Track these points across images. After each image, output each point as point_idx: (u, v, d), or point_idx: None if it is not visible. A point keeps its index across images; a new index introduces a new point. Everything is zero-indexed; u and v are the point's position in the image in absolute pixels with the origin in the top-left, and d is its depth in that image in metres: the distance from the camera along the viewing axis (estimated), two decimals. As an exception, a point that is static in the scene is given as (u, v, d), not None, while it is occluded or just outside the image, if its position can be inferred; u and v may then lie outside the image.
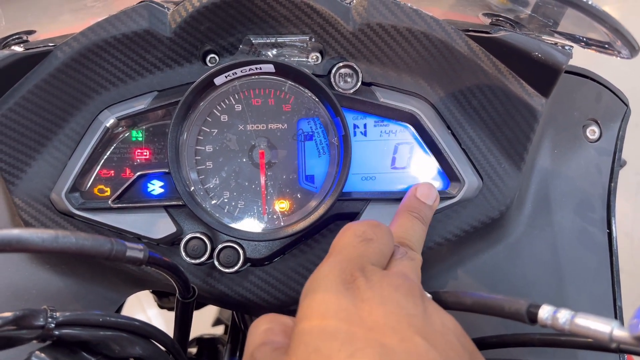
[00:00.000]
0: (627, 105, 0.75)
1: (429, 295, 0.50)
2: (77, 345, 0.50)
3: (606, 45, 0.58)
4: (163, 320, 2.12)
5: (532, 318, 0.45)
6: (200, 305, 1.00)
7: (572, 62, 0.63)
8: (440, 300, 0.53)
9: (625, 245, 2.36)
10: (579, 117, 0.73)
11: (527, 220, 0.70)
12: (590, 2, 0.55)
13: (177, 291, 0.54)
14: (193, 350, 0.97)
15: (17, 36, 0.66)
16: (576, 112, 0.73)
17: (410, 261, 0.52)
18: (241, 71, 0.63)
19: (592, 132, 0.74)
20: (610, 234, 0.71)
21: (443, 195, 0.66)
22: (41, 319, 0.47)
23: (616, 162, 0.74)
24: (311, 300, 0.42)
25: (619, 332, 0.40)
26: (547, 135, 0.72)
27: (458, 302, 0.51)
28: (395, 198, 0.66)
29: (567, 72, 0.72)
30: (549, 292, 0.69)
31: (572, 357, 0.66)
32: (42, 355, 0.47)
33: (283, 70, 0.64)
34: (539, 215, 0.71)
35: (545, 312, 0.44)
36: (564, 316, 0.43)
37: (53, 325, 0.47)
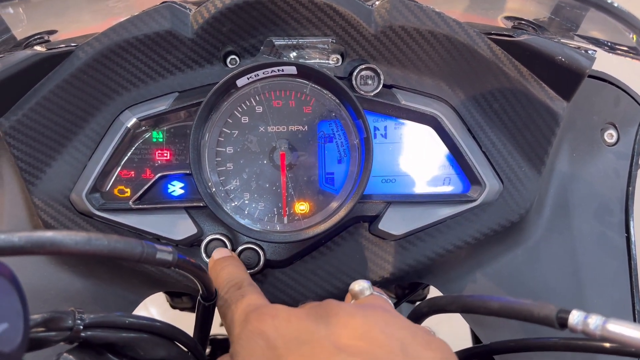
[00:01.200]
0: (645, 109, 0.75)
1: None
2: (103, 347, 0.50)
3: (631, 50, 0.58)
4: (168, 320, 2.11)
5: (562, 323, 0.45)
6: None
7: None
8: (465, 304, 0.53)
9: None
10: (598, 121, 0.73)
11: (546, 224, 0.70)
12: (614, 3, 0.55)
13: (201, 293, 0.53)
14: (207, 350, 0.97)
15: (38, 36, 0.66)
16: (595, 116, 0.73)
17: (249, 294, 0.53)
18: (263, 73, 0.63)
19: (610, 135, 0.74)
20: (628, 238, 0.71)
21: (463, 199, 0.66)
22: (69, 321, 0.47)
23: (634, 166, 0.74)
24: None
25: (653, 339, 0.40)
26: (566, 139, 0.72)
27: (484, 306, 0.51)
28: (415, 201, 0.66)
29: (588, 76, 0.72)
30: (567, 296, 0.69)
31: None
32: (70, 357, 0.47)
33: (305, 72, 0.63)
34: (558, 219, 0.71)
35: (575, 317, 0.44)
36: (595, 322, 0.43)
37: (81, 327, 0.47)
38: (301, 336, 0.43)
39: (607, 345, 0.51)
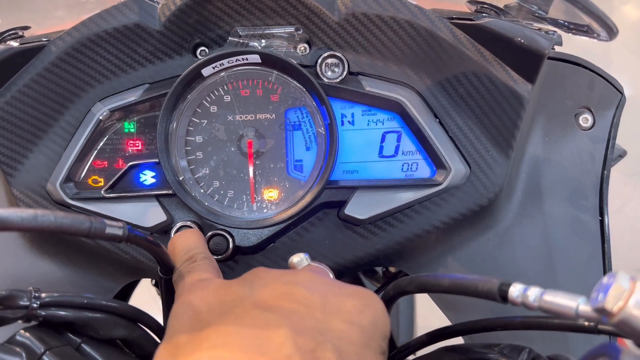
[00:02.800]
0: (621, 93, 0.75)
1: None
2: (62, 326, 0.52)
3: (585, 29, 0.58)
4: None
5: (504, 296, 0.45)
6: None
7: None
8: (421, 283, 0.54)
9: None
10: (571, 105, 0.73)
11: (517, 208, 0.70)
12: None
13: (159, 268, 0.55)
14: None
15: (12, 32, 0.68)
16: (568, 100, 0.73)
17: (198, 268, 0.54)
18: (228, 62, 0.64)
19: (585, 120, 0.73)
20: (602, 222, 0.71)
21: (429, 183, 0.66)
22: (25, 299, 0.48)
23: (610, 150, 0.74)
24: None
25: (584, 307, 0.40)
26: (538, 123, 0.72)
27: (437, 284, 0.52)
28: (382, 186, 0.67)
29: (558, 59, 0.72)
30: (540, 280, 0.69)
31: (562, 341, 0.66)
32: (27, 334, 0.49)
33: (269, 60, 0.65)
34: (530, 203, 0.71)
35: (516, 290, 0.45)
36: (533, 293, 0.43)
37: (37, 305, 0.48)
38: (225, 300, 0.44)
39: (561, 322, 0.51)
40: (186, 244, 0.57)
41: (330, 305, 0.43)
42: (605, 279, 0.38)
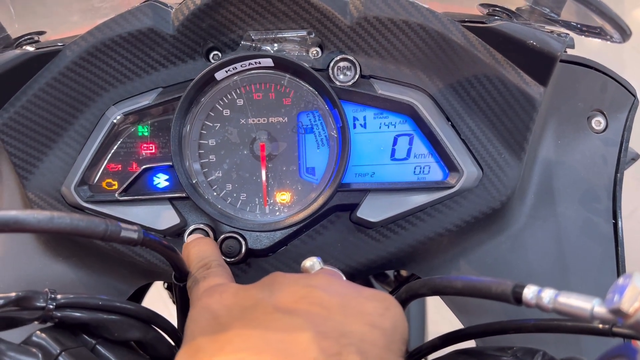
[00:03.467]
0: (634, 95, 0.75)
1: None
2: (77, 327, 0.52)
3: (598, 30, 0.58)
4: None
5: (518, 298, 0.45)
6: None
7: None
8: (434, 285, 0.54)
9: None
10: (584, 108, 0.73)
11: (529, 210, 0.70)
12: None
13: (174, 274, 0.55)
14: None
15: (28, 37, 0.69)
16: (580, 103, 0.73)
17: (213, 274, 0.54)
18: (241, 66, 0.65)
19: (598, 122, 0.73)
20: (615, 224, 0.70)
21: (441, 186, 0.66)
22: (41, 300, 0.49)
23: (623, 153, 0.73)
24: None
25: (599, 309, 0.40)
26: (550, 126, 0.72)
27: (450, 286, 0.52)
28: (394, 189, 0.67)
29: (570, 62, 0.72)
30: (553, 283, 0.68)
31: (576, 344, 0.65)
32: (43, 335, 0.49)
33: (282, 64, 0.65)
34: (542, 205, 0.70)
35: (530, 292, 0.45)
36: (548, 295, 0.43)
37: (53, 306, 0.49)
38: (245, 304, 0.44)
39: (574, 324, 0.51)
40: (200, 251, 0.57)
41: (350, 308, 0.43)
42: (620, 280, 0.38)
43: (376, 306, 0.44)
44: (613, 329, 0.49)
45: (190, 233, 0.66)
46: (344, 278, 0.53)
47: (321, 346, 0.38)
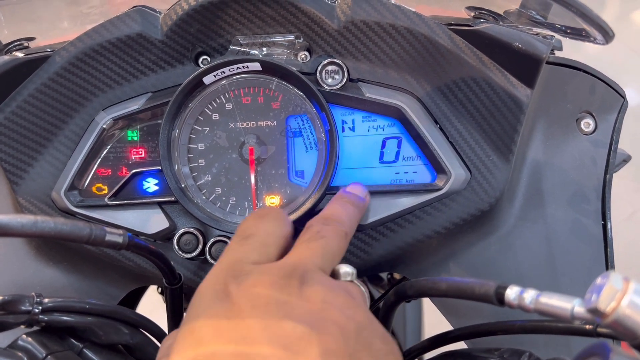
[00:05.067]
0: (623, 97, 0.75)
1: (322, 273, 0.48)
2: (64, 331, 0.52)
3: (583, 32, 0.58)
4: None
5: (500, 299, 0.45)
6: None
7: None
8: (420, 287, 0.54)
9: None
10: (572, 110, 0.73)
11: (518, 212, 0.70)
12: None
13: (163, 278, 0.55)
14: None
15: (18, 43, 0.70)
16: (569, 105, 0.73)
17: (319, 240, 0.51)
18: (229, 70, 0.65)
19: (587, 124, 0.73)
20: (605, 226, 0.70)
21: (430, 188, 0.67)
22: (27, 304, 0.49)
23: (612, 154, 0.73)
24: (186, 330, 0.41)
25: (579, 309, 0.40)
26: (539, 128, 0.72)
27: (434, 287, 0.52)
28: (382, 191, 0.67)
29: (558, 64, 0.72)
30: (542, 285, 0.69)
31: (564, 345, 0.66)
32: (29, 339, 0.50)
33: (270, 68, 0.66)
34: (531, 207, 0.71)
35: (512, 292, 0.45)
36: (529, 296, 0.44)
37: (38, 310, 0.49)
38: (268, 296, 0.42)
39: (558, 325, 0.51)
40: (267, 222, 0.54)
41: (362, 338, 0.42)
42: (598, 280, 0.38)
43: (382, 347, 0.43)
44: (597, 329, 0.50)
45: (180, 237, 0.66)
46: (368, 300, 0.52)
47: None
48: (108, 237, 0.47)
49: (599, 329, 0.49)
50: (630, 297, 0.36)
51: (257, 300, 0.42)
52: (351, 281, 0.52)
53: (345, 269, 0.52)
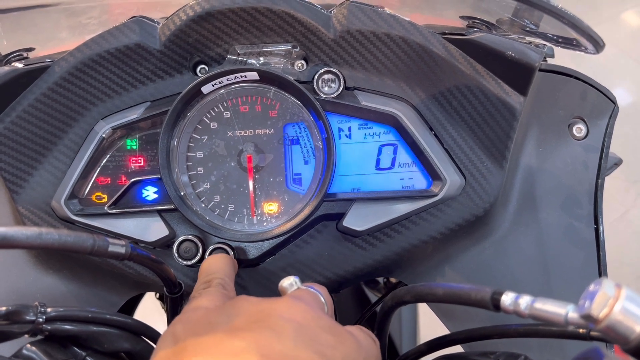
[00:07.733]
0: (614, 102, 0.76)
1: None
2: (67, 339, 0.53)
3: (574, 42, 0.59)
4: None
5: (496, 304, 0.46)
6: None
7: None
8: (417, 292, 0.55)
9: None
10: (564, 116, 0.74)
11: (512, 217, 0.72)
12: (549, 1, 0.56)
13: (164, 286, 0.56)
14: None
15: (17, 53, 0.70)
16: (561, 111, 0.74)
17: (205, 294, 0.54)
18: (227, 79, 0.66)
19: (579, 129, 0.75)
20: (597, 229, 0.72)
21: (425, 194, 0.68)
22: (31, 314, 0.50)
23: (603, 159, 0.75)
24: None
25: (573, 314, 0.41)
26: (532, 134, 0.73)
27: (431, 293, 0.53)
28: (379, 197, 0.68)
29: (550, 71, 0.73)
30: (535, 288, 0.70)
31: (559, 349, 0.67)
32: (33, 348, 0.50)
33: (267, 77, 0.66)
34: (525, 212, 0.72)
35: (508, 298, 0.46)
36: (525, 301, 0.44)
37: (42, 319, 0.50)
38: (201, 329, 0.45)
39: (553, 329, 0.52)
40: (210, 267, 0.59)
41: (303, 335, 0.43)
42: (591, 287, 0.39)
43: (329, 338, 0.44)
44: (591, 333, 0.51)
45: (180, 244, 0.67)
46: (323, 299, 0.53)
47: None
48: (111, 248, 0.48)
49: (592, 333, 0.50)
50: (622, 303, 0.37)
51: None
52: (298, 288, 0.54)
53: (288, 281, 0.54)
